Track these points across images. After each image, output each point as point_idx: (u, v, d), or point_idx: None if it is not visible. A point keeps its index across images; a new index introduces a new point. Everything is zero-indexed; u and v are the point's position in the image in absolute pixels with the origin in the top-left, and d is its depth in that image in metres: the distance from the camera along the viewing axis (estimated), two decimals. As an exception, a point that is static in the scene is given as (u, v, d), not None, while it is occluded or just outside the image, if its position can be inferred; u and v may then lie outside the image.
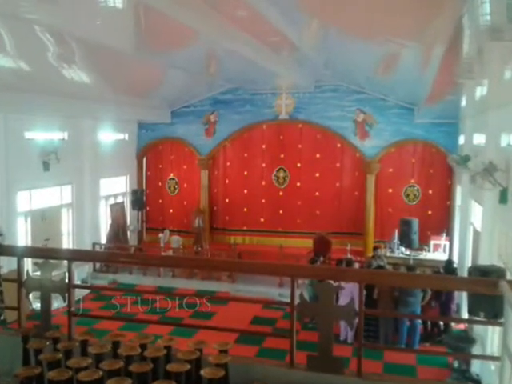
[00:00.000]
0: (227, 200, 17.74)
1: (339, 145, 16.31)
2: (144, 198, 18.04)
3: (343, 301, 8.90)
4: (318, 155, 16.53)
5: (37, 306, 5.12)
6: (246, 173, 17.39)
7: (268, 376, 4.05)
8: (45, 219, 13.98)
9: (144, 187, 18.43)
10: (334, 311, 4.13)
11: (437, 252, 14.24)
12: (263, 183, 17.22)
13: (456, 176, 14.36)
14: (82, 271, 14.67)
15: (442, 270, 11.37)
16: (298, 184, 16.86)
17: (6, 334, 5.15)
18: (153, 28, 8.81)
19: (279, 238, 16.66)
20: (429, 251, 14.29)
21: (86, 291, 13.38)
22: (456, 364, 9.40)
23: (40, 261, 4.72)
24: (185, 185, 18.08)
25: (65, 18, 7.49)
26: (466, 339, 9.29)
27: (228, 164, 17.69)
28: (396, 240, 14.26)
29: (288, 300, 4.21)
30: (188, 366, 3.59)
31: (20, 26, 7.97)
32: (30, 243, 13.18)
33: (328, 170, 16.47)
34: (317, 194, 16.61)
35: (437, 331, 11.15)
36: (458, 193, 14.06)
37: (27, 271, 4.85)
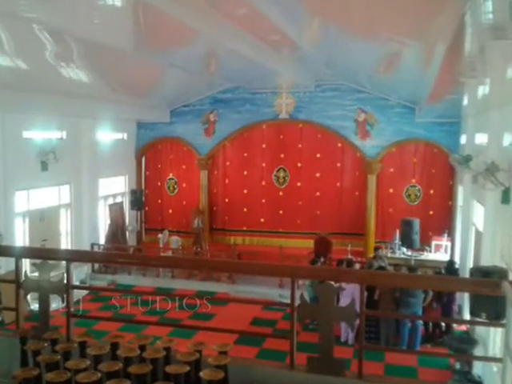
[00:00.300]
0: (227, 200, 17.70)
1: (340, 144, 16.28)
2: (143, 198, 17.98)
3: (344, 302, 8.85)
4: (318, 155, 16.49)
5: (35, 306, 5.10)
6: (245, 173, 17.34)
7: (268, 377, 4.02)
8: (43, 219, 13.92)
9: (143, 187, 18.38)
10: (334, 312, 4.08)
11: (438, 252, 14.20)
12: (263, 183, 17.18)
13: (458, 176, 14.32)
14: (80, 272, 14.62)
15: (443, 271, 11.35)
16: (299, 184, 16.81)
17: (3, 335, 5.12)
18: (152, 27, 8.77)
19: (279, 238, 16.62)
20: (430, 252, 14.26)
21: (85, 292, 13.32)
22: (458, 366, 9.34)
23: (38, 261, 4.69)
24: (184, 185, 18.03)
25: (63, 16, 7.46)
26: (468, 340, 9.27)
27: (228, 164, 17.65)
28: (397, 240, 14.21)
29: (288, 301, 4.16)
30: (187, 368, 3.54)
31: (18, 24, 7.92)
32: (27, 244, 13.11)
33: (328, 170, 16.44)
34: (317, 194, 16.57)
35: (438, 332, 11.11)
36: (460, 193, 14.04)
37: (25, 272, 4.83)
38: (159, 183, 18.36)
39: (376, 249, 13.51)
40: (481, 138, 10.80)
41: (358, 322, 4.15)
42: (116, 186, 17.54)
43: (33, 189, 13.48)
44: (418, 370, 9.59)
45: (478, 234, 10.73)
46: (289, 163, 16.88)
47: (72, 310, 4.67)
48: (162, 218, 18.37)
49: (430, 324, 11.20)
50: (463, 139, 13.57)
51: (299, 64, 12.97)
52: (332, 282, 4.27)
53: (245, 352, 9.29)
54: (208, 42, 10.05)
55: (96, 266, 15.63)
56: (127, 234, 17.51)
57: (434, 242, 14.42)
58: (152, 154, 18.42)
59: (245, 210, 17.38)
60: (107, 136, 16.48)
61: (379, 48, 9.55)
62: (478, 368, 9.18)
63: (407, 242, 13.92)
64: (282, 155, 16.91)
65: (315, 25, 9.25)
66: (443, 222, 15.03)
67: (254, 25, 8.64)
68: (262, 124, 16.87)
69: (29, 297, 4.92)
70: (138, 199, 17.49)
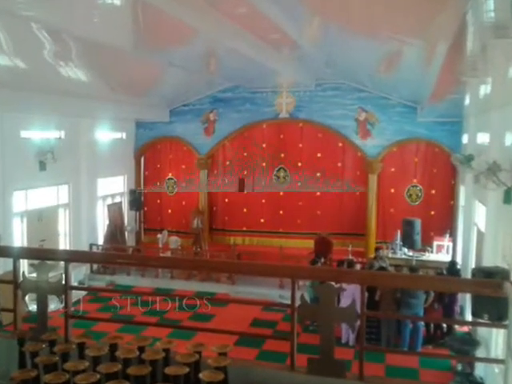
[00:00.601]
0: (227, 200, 17.64)
1: (340, 144, 16.21)
2: (142, 198, 17.92)
3: (345, 303, 8.79)
4: (319, 154, 16.43)
5: (33, 307, 5.08)
6: (245, 172, 17.29)
7: (268, 379, 4.00)
8: (41, 220, 13.86)
9: (142, 187, 18.31)
10: (335, 313, 4.05)
11: (440, 253, 14.16)
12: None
13: (459, 176, 14.26)
14: (79, 272, 14.56)
15: (445, 272, 11.29)
16: (299, 184, 16.75)
17: (1, 336, 5.08)
18: (151, 25, 8.73)
19: (279, 238, 16.55)
20: (432, 252, 14.24)
21: (84, 293, 13.26)
22: (459, 367, 9.30)
23: (36, 262, 4.67)
24: (183, 185, 17.97)
25: (62, 15, 7.42)
26: (470, 342, 9.20)
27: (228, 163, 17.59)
28: (398, 241, 14.17)
29: (288, 302, 4.12)
30: (187, 369, 3.50)
31: (16, 22, 7.87)
32: (26, 244, 13.07)
33: (329, 170, 16.37)
34: (318, 193, 16.51)
35: (440, 333, 11.08)
36: (462, 193, 13.99)
37: (23, 272, 4.81)
38: (158, 183, 18.31)
39: (377, 249, 13.46)
40: (483, 138, 10.76)
41: (358, 323, 4.11)
42: (115, 186, 17.47)
43: (31, 189, 13.41)
44: (420, 372, 9.55)
45: (480, 234, 10.69)
46: (289, 163, 16.83)
47: (71, 310, 4.65)
48: (161, 218, 18.31)
49: (432, 325, 11.15)
50: (465, 139, 13.54)
51: (299, 63, 12.93)
52: (332, 283, 4.22)
53: (245, 353, 9.28)
54: (207, 41, 10.02)
55: (95, 266, 15.60)
56: (126, 234, 17.46)
57: (435, 243, 14.38)
58: (151, 153, 18.37)
59: (245, 210, 17.32)
60: (106, 136, 16.40)
61: (380, 47, 9.51)
62: (479, 369, 9.13)
63: (408, 242, 13.88)
64: (283, 155, 16.86)
65: (315, 23, 9.21)
66: (445, 223, 14.97)
67: (254, 24, 8.60)
68: (262, 123, 16.81)
69: (27, 298, 4.89)
70: (136, 199, 17.44)
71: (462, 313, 11.30)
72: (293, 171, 16.78)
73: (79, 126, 14.95)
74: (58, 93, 12.05)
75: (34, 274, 4.66)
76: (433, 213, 15.45)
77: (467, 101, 11.43)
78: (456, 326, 11.25)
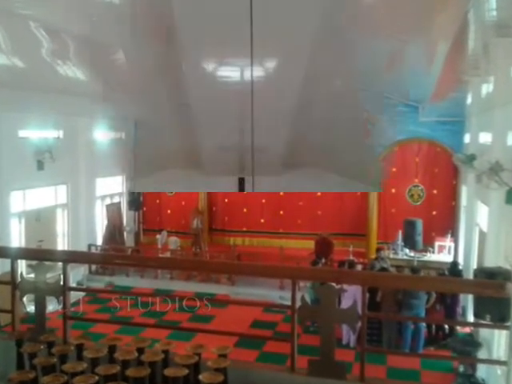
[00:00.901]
0: (226, 200, 17.61)
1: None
2: (141, 199, 17.88)
3: (345, 304, 8.70)
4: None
5: (31, 308, 5.07)
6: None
7: (268, 381, 4.00)
8: (39, 220, 13.82)
9: (141, 187, 18.24)
10: (336, 314, 4.04)
11: (441, 253, 14.11)
12: (263, 183, 17.06)
13: (461, 175, 14.20)
14: (77, 273, 14.49)
15: (446, 272, 11.26)
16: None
17: (-1, 337, 5.04)
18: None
19: (280, 239, 16.50)
20: (433, 253, 14.19)
21: (82, 294, 13.21)
22: (461, 368, 9.27)
23: (34, 262, 4.66)
24: (183, 185, 17.90)
25: (60, 13, 7.39)
26: (472, 343, 9.19)
27: (227, 164, 17.52)
28: (400, 241, 14.13)
29: (289, 303, 4.10)
30: (186, 371, 3.49)
31: (14, 21, 7.84)
32: (23, 244, 13.02)
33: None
34: (318, 194, 16.45)
35: (442, 335, 11.05)
36: (464, 193, 13.96)
37: (21, 273, 4.78)
38: (158, 183, 18.22)
39: (378, 250, 13.40)
40: (485, 137, 10.71)
41: (359, 324, 4.08)
42: (113, 186, 17.45)
43: (29, 189, 13.34)
44: (421, 373, 9.49)
45: (482, 234, 10.66)
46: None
47: (70, 311, 4.64)
48: (160, 219, 18.26)
49: (433, 326, 11.12)
50: (467, 138, 13.48)
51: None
52: (333, 284, 4.18)
53: (245, 355, 9.25)
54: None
55: (93, 267, 15.55)
56: (125, 234, 17.41)
57: (437, 243, 14.32)
58: (151, 154, 18.30)
59: (245, 210, 17.29)
60: (104, 135, 16.35)
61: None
62: (481, 371, 9.09)
63: (410, 242, 13.83)
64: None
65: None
66: (446, 223, 14.89)
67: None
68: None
69: (25, 298, 4.87)
70: (135, 199, 17.40)
71: (463, 314, 11.29)
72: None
73: (78, 125, 14.90)
74: (57, 92, 11.99)
75: (32, 275, 4.64)
76: (434, 213, 15.37)
77: (469, 100, 11.41)
78: (458, 327, 11.23)
